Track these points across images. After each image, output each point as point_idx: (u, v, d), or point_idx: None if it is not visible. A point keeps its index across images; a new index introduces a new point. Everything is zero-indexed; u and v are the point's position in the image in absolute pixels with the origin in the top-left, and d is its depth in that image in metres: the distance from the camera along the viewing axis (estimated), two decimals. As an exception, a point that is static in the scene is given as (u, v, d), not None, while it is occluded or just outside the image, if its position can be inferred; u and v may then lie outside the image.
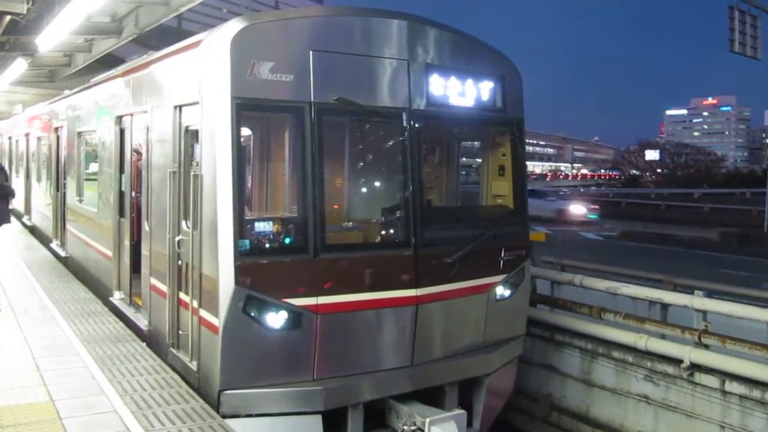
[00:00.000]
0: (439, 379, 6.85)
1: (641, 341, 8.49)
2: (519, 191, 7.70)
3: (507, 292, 7.41)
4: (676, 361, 8.12)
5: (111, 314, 8.59)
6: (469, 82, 7.05)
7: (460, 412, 6.67)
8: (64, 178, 12.59)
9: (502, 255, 7.32)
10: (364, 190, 7.73)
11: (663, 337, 8.56)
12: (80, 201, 11.22)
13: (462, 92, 7.00)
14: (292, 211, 6.43)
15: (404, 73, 6.56)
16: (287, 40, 6.06)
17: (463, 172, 9.01)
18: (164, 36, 17.80)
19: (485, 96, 7.22)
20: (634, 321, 8.90)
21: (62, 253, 12.41)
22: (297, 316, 5.91)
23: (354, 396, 6.26)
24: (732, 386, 7.59)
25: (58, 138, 13.45)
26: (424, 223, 6.59)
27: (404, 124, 6.56)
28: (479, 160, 8.20)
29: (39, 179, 15.99)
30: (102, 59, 19.09)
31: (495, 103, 7.35)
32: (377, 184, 7.67)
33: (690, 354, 7.94)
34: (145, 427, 5.12)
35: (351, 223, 7.18)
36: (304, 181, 6.06)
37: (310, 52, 6.04)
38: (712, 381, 7.79)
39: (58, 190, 13.24)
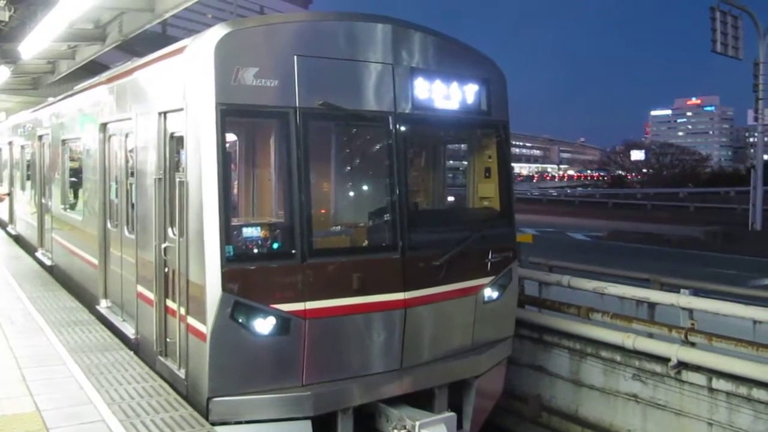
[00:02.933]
0: (429, 381, 6.85)
1: (629, 340, 8.54)
2: (505, 193, 7.73)
3: (495, 294, 7.43)
4: (664, 360, 8.17)
5: (98, 323, 8.52)
6: (454, 85, 7.07)
7: (449, 414, 6.67)
8: (49, 187, 12.50)
9: (490, 257, 7.34)
10: (350, 194, 7.72)
11: (650, 335, 8.61)
12: (65, 209, 11.14)
13: (447, 95, 7.02)
14: (279, 216, 6.41)
15: (389, 77, 6.57)
16: (271, 45, 6.06)
17: (450, 175, 9.04)
18: (149, 42, 17.71)
19: (470, 99, 7.24)
20: (622, 320, 8.95)
21: (47, 262, 12.31)
22: (285, 322, 5.89)
23: (343, 401, 6.25)
24: (719, 383, 7.65)
25: (42, 146, 13.35)
26: (411, 226, 6.60)
27: (390, 127, 6.57)
28: (465, 163, 8.22)
29: (23, 188, 15.86)
30: (86, 66, 18.96)
31: (480, 106, 7.37)
32: (364, 188, 7.67)
33: (677, 352, 7.99)
34: (134, 436, 5.09)
35: (338, 227, 7.18)
36: (290, 186, 6.05)
37: (295, 57, 6.03)
38: (699, 378, 7.85)
39: (42, 199, 13.14)
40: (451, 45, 7.26)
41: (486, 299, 7.34)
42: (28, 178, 15.24)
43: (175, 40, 7.20)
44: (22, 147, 15.94)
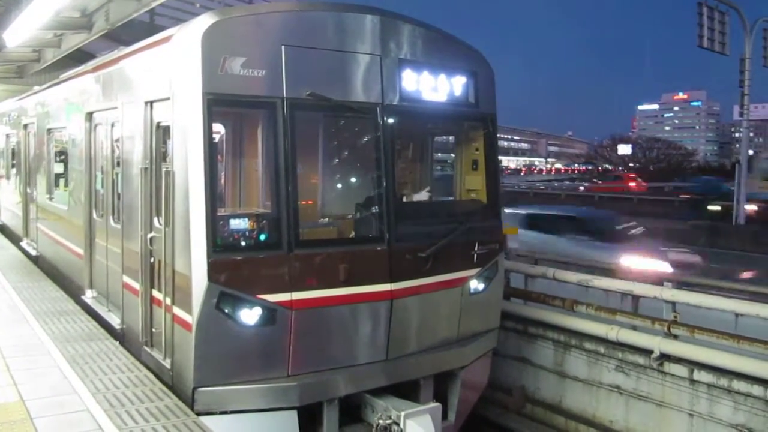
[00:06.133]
0: (414, 372, 6.89)
1: (612, 332, 8.63)
2: (492, 185, 7.76)
3: (481, 286, 7.47)
4: (647, 352, 8.26)
5: (83, 313, 8.49)
6: (442, 77, 7.08)
7: (435, 405, 6.71)
8: (35, 176, 12.41)
9: (476, 249, 7.38)
10: (337, 185, 7.73)
11: (634, 328, 8.70)
12: (51, 199, 11.07)
13: (435, 87, 7.03)
14: (266, 207, 6.40)
15: (377, 69, 6.56)
16: (259, 35, 6.04)
17: (438, 168, 9.06)
18: (136, 31, 17.56)
19: (458, 91, 7.25)
20: (606, 313, 9.02)
21: (33, 252, 12.23)
22: (271, 312, 5.90)
23: (329, 391, 6.27)
24: (700, 375, 7.75)
25: (27, 135, 13.24)
26: (398, 218, 6.61)
27: (377, 119, 6.57)
28: (453, 155, 8.24)
29: (8, 177, 15.74)
30: (72, 55, 18.77)
31: (467, 98, 7.39)
32: (351, 179, 7.68)
33: (660, 344, 8.08)
34: (118, 426, 5.09)
35: (325, 218, 7.18)
36: (277, 177, 6.05)
37: (282, 47, 6.02)
38: (681, 370, 7.95)
39: (28, 188, 13.04)
40: (439, 37, 7.26)
41: (472, 291, 7.38)
42: (13, 167, 15.12)
43: (163, 29, 7.15)
44: (7, 136, 15.80)
